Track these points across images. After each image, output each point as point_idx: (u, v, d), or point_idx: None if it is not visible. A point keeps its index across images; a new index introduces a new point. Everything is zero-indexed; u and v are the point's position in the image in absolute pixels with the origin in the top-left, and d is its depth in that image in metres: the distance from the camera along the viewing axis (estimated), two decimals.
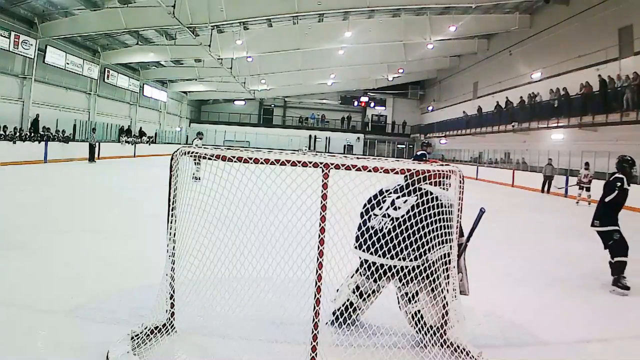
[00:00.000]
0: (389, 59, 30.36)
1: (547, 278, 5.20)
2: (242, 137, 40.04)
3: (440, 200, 3.07)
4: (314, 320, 2.54)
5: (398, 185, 3.29)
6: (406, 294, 3.13)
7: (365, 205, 3.35)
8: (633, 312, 4.24)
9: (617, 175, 5.01)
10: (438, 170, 3.04)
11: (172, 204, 2.99)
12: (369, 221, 3.25)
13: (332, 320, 3.33)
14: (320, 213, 2.55)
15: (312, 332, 2.54)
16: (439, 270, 3.07)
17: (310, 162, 2.57)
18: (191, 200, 2.98)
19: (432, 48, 25.88)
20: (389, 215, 3.17)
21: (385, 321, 3.21)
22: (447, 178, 3.23)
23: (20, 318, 3.19)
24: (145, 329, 2.89)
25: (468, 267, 3.37)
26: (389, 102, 42.93)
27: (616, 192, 4.88)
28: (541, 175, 18.31)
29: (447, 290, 3.06)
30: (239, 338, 3.04)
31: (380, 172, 2.65)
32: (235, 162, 2.67)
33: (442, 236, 3.02)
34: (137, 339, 2.79)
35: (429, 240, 2.99)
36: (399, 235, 2.99)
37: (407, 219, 3.05)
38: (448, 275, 3.06)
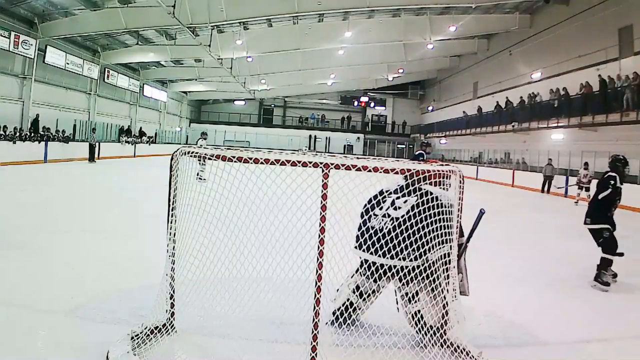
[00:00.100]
0: (389, 59, 30.36)
1: (547, 278, 5.20)
2: (242, 137, 40.04)
3: (441, 200, 3.07)
4: (314, 320, 2.54)
5: (398, 185, 3.30)
6: (406, 294, 3.13)
7: (365, 205, 3.35)
8: (633, 312, 4.24)
9: (610, 173, 5.13)
10: (438, 170, 3.04)
11: (172, 204, 2.99)
12: (369, 221, 3.25)
13: (332, 320, 3.33)
14: (320, 213, 2.54)
15: (312, 332, 2.54)
16: (439, 270, 3.07)
17: (310, 162, 2.57)
18: (191, 200, 2.98)
19: (432, 48, 25.87)
20: (389, 215, 3.18)
21: (385, 321, 3.21)
22: (447, 178, 3.23)
23: (20, 318, 3.19)
24: (145, 329, 2.89)
25: (468, 267, 3.37)
26: (389, 102, 42.93)
27: (609, 189, 4.99)
28: (541, 175, 18.32)
29: (447, 290, 3.06)
30: (239, 338, 3.04)
31: (380, 172, 2.65)
32: (235, 162, 2.67)
33: (442, 236, 3.02)
34: (137, 339, 2.79)
35: (429, 240, 2.99)
36: (399, 235, 2.99)
37: (407, 219, 3.05)
38: (448, 275, 3.06)
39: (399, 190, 3.23)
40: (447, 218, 3.04)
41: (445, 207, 3.06)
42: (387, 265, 3.07)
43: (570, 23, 20.19)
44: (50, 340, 2.92)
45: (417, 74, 37.81)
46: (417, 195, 3.06)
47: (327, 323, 3.24)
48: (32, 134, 17.87)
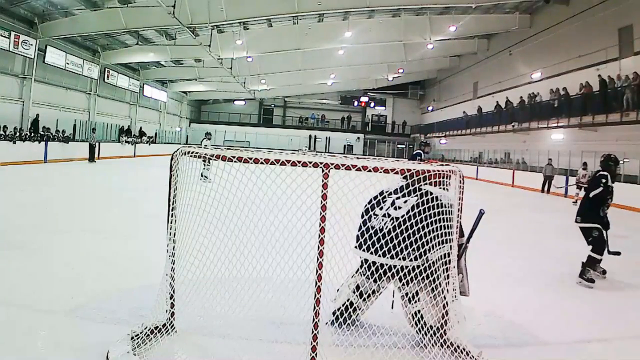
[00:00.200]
0: (389, 59, 30.36)
1: (547, 278, 5.20)
2: (242, 137, 40.05)
3: (441, 200, 3.07)
4: (314, 320, 2.54)
5: (398, 185, 3.30)
6: (406, 294, 3.13)
7: (366, 205, 3.35)
8: (633, 312, 4.24)
9: (601, 172, 5.21)
10: (438, 170, 3.04)
11: (172, 204, 2.99)
12: (370, 221, 3.25)
13: (332, 320, 3.33)
14: (320, 213, 2.54)
15: (312, 332, 2.54)
16: (439, 270, 3.07)
17: (310, 162, 2.57)
18: (191, 200, 2.98)
19: (432, 48, 25.88)
20: (389, 215, 3.18)
21: (385, 321, 3.21)
22: (447, 178, 3.23)
23: (20, 318, 3.19)
24: (145, 329, 2.89)
25: (468, 267, 3.37)
26: (389, 102, 42.93)
27: (601, 187, 5.05)
28: (541, 175, 18.32)
29: (447, 290, 3.06)
30: (239, 338, 3.04)
31: (380, 172, 2.65)
32: (235, 162, 2.67)
33: (442, 236, 3.02)
34: (137, 339, 2.79)
35: (429, 240, 2.99)
36: (400, 235, 2.99)
37: (407, 218, 3.05)
38: (448, 275, 3.06)
39: (399, 190, 3.23)
40: (447, 218, 3.04)
41: (445, 207, 3.06)
42: (387, 265, 3.07)
43: (570, 23, 20.19)
44: (50, 340, 2.92)
45: (417, 74, 37.82)
46: (417, 195, 3.06)
47: (327, 323, 3.24)
48: (32, 134, 17.88)
